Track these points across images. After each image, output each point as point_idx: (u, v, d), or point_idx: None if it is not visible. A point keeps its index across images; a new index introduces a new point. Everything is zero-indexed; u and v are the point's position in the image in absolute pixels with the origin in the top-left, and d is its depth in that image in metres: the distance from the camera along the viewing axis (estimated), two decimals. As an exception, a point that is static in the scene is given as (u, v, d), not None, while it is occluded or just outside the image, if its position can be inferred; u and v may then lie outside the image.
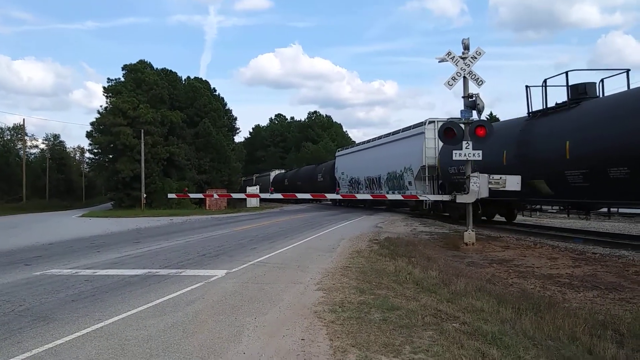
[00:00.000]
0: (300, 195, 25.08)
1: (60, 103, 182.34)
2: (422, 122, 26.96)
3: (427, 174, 25.48)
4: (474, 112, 14.51)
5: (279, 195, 23.20)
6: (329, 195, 28.78)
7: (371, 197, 29.00)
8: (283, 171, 70.71)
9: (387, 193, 31.31)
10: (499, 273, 10.18)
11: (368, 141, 39.01)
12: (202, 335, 5.58)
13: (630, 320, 5.79)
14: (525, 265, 11.02)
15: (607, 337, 5.28)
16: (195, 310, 6.72)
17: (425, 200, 22.88)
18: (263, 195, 36.87)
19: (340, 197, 29.81)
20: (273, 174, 70.48)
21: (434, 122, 25.76)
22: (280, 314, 6.51)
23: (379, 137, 35.93)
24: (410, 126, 29.68)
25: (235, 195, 36.47)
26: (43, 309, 6.95)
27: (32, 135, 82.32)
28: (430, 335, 5.42)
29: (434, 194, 23.88)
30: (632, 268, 10.22)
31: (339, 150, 47.11)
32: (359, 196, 31.80)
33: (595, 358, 4.69)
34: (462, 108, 14.73)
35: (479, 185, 14.14)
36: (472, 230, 14.64)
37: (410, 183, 28.33)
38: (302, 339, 5.35)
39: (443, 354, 4.77)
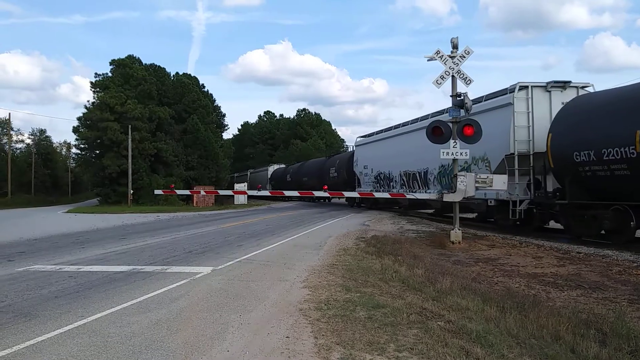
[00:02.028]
0: (317, 194, 22.25)
1: (47, 97, 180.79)
2: (506, 89, 18.09)
3: (516, 166, 16.63)
4: (462, 111, 14.55)
5: (266, 193, 23.11)
6: (347, 194, 25.55)
7: (390, 196, 24.29)
8: (283, 166, 64.79)
9: (438, 193, 23.76)
10: (485, 272, 10.23)
11: (405, 123, 27.86)
12: (186, 332, 5.54)
13: (613, 320, 5.82)
14: (511, 264, 11.08)
15: (590, 336, 5.30)
16: (179, 308, 6.67)
17: (490, 204, 17.82)
18: (250, 193, 31.57)
19: (358, 196, 28.05)
20: (271, 169, 65.43)
21: (526, 88, 16.98)
22: (266, 311, 6.49)
23: (425, 117, 24.99)
24: (483, 97, 19.82)
25: (222, 192, 36.11)
26: (25, 305, 6.87)
27: (18, 129, 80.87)
28: (415, 333, 5.42)
29: (531, 194, 16.62)
30: (616, 267, 10.31)
31: (360, 138, 36.23)
32: (377, 194, 26.97)
33: (578, 357, 4.71)
34: (450, 107, 14.80)
35: (466, 184, 14.20)
36: (459, 229, 14.70)
37: None
38: (287, 337, 5.34)
39: (427, 352, 4.78)
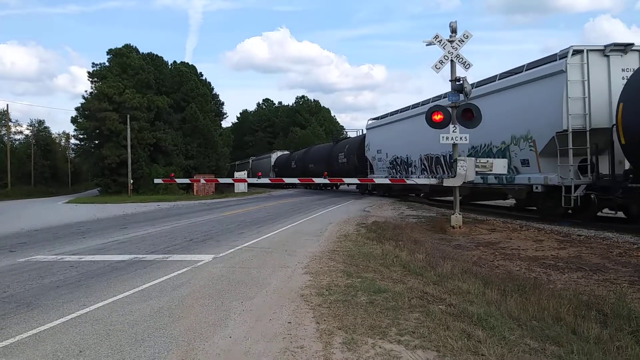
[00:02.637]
0: (317, 180, 22.33)
1: (45, 88, 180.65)
2: (555, 56, 15.43)
3: (570, 145, 14.17)
4: (461, 95, 14.49)
5: (266, 180, 23.04)
6: (348, 180, 25.28)
7: (390, 181, 23.82)
8: (287, 152, 62.43)
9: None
10: (485, 255, 10.25)
11: (425, 102, 24.11)
12: (188, 319, 5.56)
13: (614, 301, 5.84)
14: (511, 248, 11.10)
15: (591, 318, 5.32)
16: (181, 295, 6.69)
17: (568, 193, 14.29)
18: (250, 180, 31.13)
19: (376, 182, 25.78)
20: (274, 155, 63.22)
21: (581, 52, 14.62)
22: (267, 297, 6.50)
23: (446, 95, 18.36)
24: (523, 66, 17.02)
25: (222, 180, 36.14)
26: (27, 295, 6.88)
27: (16, 121, 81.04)
28: (417, 317, 5.44)
29: (589, 177, 14.21)
30: (616, 249, 10.33)
31: (371, 120, 33.07)
32: (378, 180, 25.76)
33: (579, 338, 4.73)
34: (450, 91, 14.73)
35: (466, 169, 14.18)
36: (459, 214, 14.71)
37: (525, 162, 16.70)
38: (289, 322, 5.36)
39: (429, 336, 4.79)
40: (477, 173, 14.63)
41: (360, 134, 39.87)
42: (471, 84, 16.98)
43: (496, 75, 18.65)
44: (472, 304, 5.84)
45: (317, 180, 21.69)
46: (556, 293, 6.37)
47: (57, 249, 11.67)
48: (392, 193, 30.69)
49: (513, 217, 17.14)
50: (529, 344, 4.60)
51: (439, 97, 21.62)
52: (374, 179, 25.45)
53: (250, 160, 72.78)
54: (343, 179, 24.58)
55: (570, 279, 7.81)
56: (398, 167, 27.95)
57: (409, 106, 26.76)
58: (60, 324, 5.50)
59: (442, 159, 22.12)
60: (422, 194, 28.20)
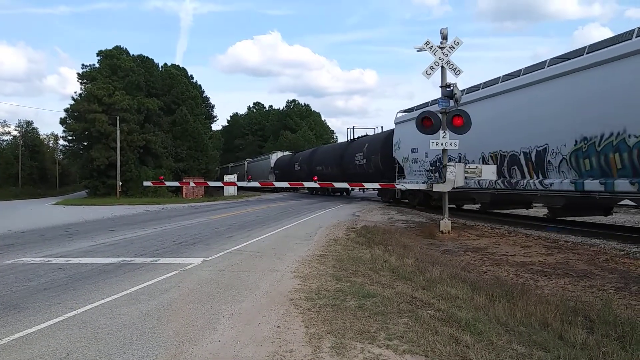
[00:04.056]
0: (337, 185, 19.67)
1: (33, 89, 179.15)
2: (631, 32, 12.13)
3: None
4: (451, 102, 14.59)
5: (256, 184, 22.78)
6: (369, 185, 20.41)
7: (380, 186, 20.80)
8: (288, 153, 57.18)
9: (428, 183, 17.28)
10: (474, 261, 10.31)
11: (493, 81, 18.20)
12: (176, 323, 5.54)
13: (600, 307, 5.89)
14: (500, 253, 11.17)
15: (577, 323, 5.37)
16: (170, 299, 6.66)
17: None
18: (240, 184, 28.04)
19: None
20: (274, 156, 58.08)
21: None
22: (256, 301, 6.50)
23: (536, 66, 15.70)
24: (585, 48, 13.77)
25: (212, 184, 35.89)
26: (14, 298, 6.82)
27: (4, 121, 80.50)
28: (405, 322, 5.46)
29: None
30: (603, 256, 10.42)
31: (401, 113, 26.22)
32: (399, 186, 21.14)
33: (566, 343, 4.77)
34: (440, 97, 14.83)
35: (455, 174, 14.27)
36: (448, 219, 14.78)
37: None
38: (278, 327, 5.36)
39: (417, 341, 4.81)
40: (466, 179, 14.75)
41: (381, 130, 34.03)
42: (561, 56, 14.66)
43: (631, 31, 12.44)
44: (460, 309, 5.87)
45: (309, 184, 18.92)
46: (543, 299, 6.41)
47: (45, 251, 11.58)
48: (433, 202, 23.04)
49: (501, 223, 17.24)
50: (516, 349, 4.63)
51: (514, 75, 16.86)
52: (404, 185, 20.70)
53: (246, 162, 69.55)
54: (364, 184, 19.98)
55: (558, 285, 7.87)
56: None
57: (464, 90, 19.41)
58: (48, 326, 5.46)
59: (522, 157, 16.05)
60: (478, 206, 21.05)
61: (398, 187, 20.32)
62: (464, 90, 18.94)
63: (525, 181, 15.81)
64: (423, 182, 18.46)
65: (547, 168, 14.82)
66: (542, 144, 15.01)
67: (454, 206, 23.01)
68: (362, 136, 35.90)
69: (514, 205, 19.57)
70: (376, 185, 21.30)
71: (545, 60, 15.33)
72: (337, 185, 23.24)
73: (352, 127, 38.04)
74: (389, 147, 27.34)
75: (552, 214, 16.04)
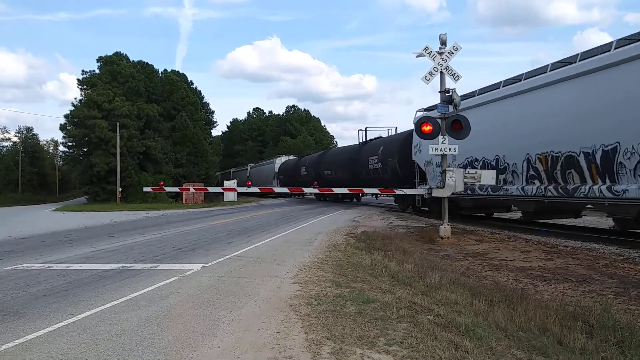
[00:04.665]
0: (337, 190, 18.99)
1: (34, 95, 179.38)
2: None
3: None
4: (451, 107, 14.62)
5: (255, 190, 22.78)
6: (308, 190, 18.81)
7: (379, 191, 19.18)
8: (294, 157, 55.52)
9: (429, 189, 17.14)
10: (473, 266, 10.31)
11: (541, 70, 15.62)
12: (176, 329, 5.54)
13: (600, 312, 5.90)
14: (499, 258, 11.17)
15: (577, 328, 5.37)
16: (170, 305, 6.67)
17: None
18: (240, 189, 24.93)
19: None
20: (279, 161, 55.98)
21: None
22: (256, 307, 6.50)
23: (592, 51, 13.61)
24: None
25: (211, 189, 35.94)
26: (14, 304, 6.82)
27: (4, 127, 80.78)
28: (405, 327, 5.46)
29: None
30: (602, 261, 10.43)
31: (421, 112, 22.48)
32: (398, 191, 19.30)
33: (565, 349, 4.77)
34: (439, 103, 14.87)
35: (455, 179, 14.29)
36: (448, 224, 14.79)
37: None
38: (278, 332, 5.36)
39: (417, 346, 4.82)
40: (465, 184, 14.77)
41: (396, 132, 31.70)
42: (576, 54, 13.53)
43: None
44: (460, 315, 5.87)
45: (309, 189, 18.21)
46: (543, 304, 6.42)
47: (45, 257, 11.58)
48: (461, 211, 21.10)
49: (501, 228, 17.24)
50: (515, 354, 4.64)
51: (567, 62, 14.57)
52: (404, 190, 19.54)
53: (249, 167, 67.72)
54: (363, 189, 19.73)
55: (557, 290, 7.87)
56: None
57: (500, 82, 17.58)
58: (47, 333, 5.46)
59: (584, 158, 13.50)
60: (520, 216, 18.62)
61: (398, 192, 20.16)
62: (500, 82, 17.58)
63: (587, 187, 13.42)
64: (428, 187, 17.90)
65: (618, 172, 12.46)
66: (611, 143, 12.60)
67: (483, 215, 21.80)
68: (376, 138, 32.83)
69: (561, 215, 17.18)
70: (375, 191, 21.18)
71: (612, 42, 12.95)
72: (336, 190, 22.95)
73: (364, 129, 34.36)
74: (408, 150, 24.58)
75: (621, 225, 13.67)
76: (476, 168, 17.54)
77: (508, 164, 16.77)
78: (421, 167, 23.13)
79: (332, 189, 23.05)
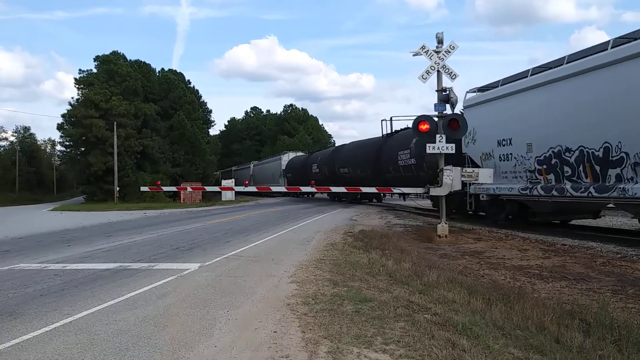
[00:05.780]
0: (334, 189, 18.07)
1: (31, 94, 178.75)
2: None
3: None
4: (447, 106, 14.63)
5: (253, 189, 22.61)
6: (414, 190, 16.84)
7: (376, 190, 19.17)
8: (302, 154, 51.21)
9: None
10: (471, 265, 10.31)
11: (606, 45, 12.45)
12: (173, 328, 5.53)
13: (597, 310, 5.90)
14: (497, 257, 11.18)
15: (574, 327, 5.38)
16: (167, 304, 6.65)
17: None
18: (237, 189, 25.63)
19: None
20: (286, 157, 51.79)
21: None
22: (253, 306, 6.49)
23: None
24: None
25: (209, 189, 35.81)
26: (10, 304, 6.80)
27: (1, 127, 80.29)
28: (402, 326, 5.46)
29: None
30: (600, 259, 10.44)
31: (473, 93, 18.94)
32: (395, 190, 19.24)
33: (562, 347, 4.77)
34: (436, 102, 14.87)
35: (452, 178, 14.30)
36: (445, 223, 14.79)
37: None
38: (275, 332, 5.35)
39: (414, 345, 4.81)
40: (463, 182, 14.80)
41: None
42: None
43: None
44: (457, 313, 5.87)
45: (306, 189, 17.10)
46: (540, 302, 6.42)
47: (41, 257, 11.54)
48: (535, 218, 17.06)
49: (498, 227, 17.25)
50: (513, 353, 4.63)
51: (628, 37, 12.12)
52: (401, 189, 18.02)
53: (252, 165, 64.27)
54: (361, 188, 18.21)
55: (554, 288, 7.88)
56: (566, 168, 13.76)
57: (595, 47, 13.19)
58: (44, 333, 5.44)
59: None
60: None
61: (396, 191, 20.00)
62: (533, 69, 15.06)
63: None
64: (425, 186, 16.73)
65: None
66: None
67: (558, 222, 18.03)
68: (404, 129, 27.25)
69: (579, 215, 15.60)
70: (373, 190, 21.13)
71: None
72: (334, 189, 22.99)
73: (389, 119, 29.85)
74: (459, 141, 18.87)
75: None
76: (564, 163, 13.68)
77: (627, 154, 11.75)
78: (475, 161, 18.67)
79: (330, 187, 22.77)
